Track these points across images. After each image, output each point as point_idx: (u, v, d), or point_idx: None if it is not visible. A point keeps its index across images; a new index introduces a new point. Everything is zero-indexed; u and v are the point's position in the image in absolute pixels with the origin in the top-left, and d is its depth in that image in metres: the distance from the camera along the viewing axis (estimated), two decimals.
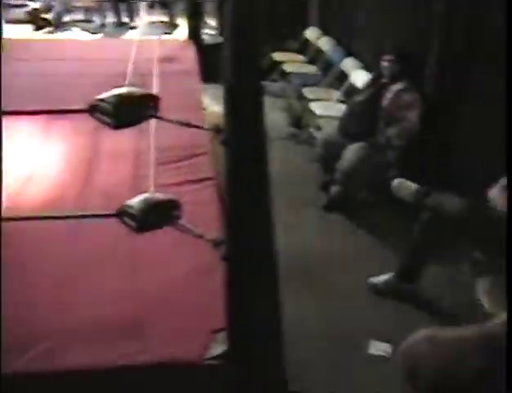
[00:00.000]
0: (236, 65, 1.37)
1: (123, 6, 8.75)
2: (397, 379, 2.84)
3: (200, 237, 1.96)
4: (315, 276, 3.63)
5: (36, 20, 8.34)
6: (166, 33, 6.72)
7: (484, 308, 2.84)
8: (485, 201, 3.35)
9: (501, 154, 3.70)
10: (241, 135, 1.44)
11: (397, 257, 3.54)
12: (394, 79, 4.24)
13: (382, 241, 3.97)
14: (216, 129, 2.30)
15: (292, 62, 6.44)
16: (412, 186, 3.50)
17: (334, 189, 4.34)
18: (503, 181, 3.35)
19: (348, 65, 5.55)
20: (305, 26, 6.95)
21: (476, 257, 3.35)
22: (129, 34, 7.91)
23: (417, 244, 3.37)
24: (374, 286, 3.52)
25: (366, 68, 5.16)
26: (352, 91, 5.04)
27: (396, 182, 3.57)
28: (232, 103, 1.45)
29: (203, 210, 2.64)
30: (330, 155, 4.41)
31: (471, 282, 3.25)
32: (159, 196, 2.01)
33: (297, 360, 2.83)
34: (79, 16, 9.02)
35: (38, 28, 8.27)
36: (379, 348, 3.10)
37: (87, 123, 2.62)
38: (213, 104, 4.29)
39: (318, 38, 6.47)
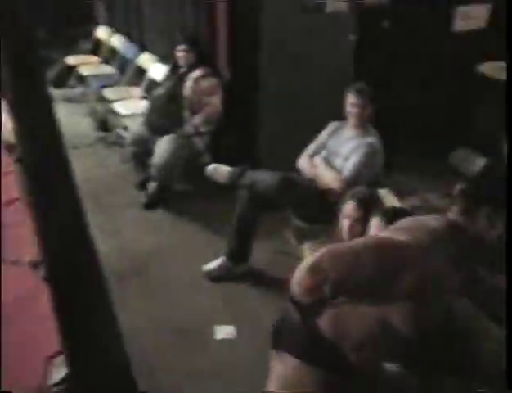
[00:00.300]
0: (14, 75, 1.27)
1: None
2: (246, 359, 2.96)
3: (16, 262, 1.83)
4: (149, 275, 3.58)
5: None
6: None
7: None
8: (296, 171, 3.55)
9: (302, 129, 3.94)
10: (33, 149, 1.35)
11: (226, 240, 3.59)
12: (191, 67, 4.29)
13: (210, 228, 4.02)
14: (8, 147, 2.14)
15: (87, 64, 6.24)
16: (226, 168, 3.59)
17: (151, 186, 4.30)
18: (307, 151, 3.57)
19: (144, 60, 5.51)
20: (95, 25, 6.76)
21: (296, 225, 3.54)
22: None
23: (240, 223, 3.45)
24: (208, 273, 3.56)
25: (163, 60, 5.16)
26: (152, 85, 5.01)
27: (210, 167, 3.63)
28: (17, 116, 1.35)
29: (15, 232, 2.46)
30: (141, 152, 4.36)
31: (296, 249, 3.44)
32: None
33: (146, 364, 2.80)
34: None
35: None
36: (224, 332, 3.16)
37: None
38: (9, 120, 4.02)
39: (110, 37, 6.33)
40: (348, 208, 2.78)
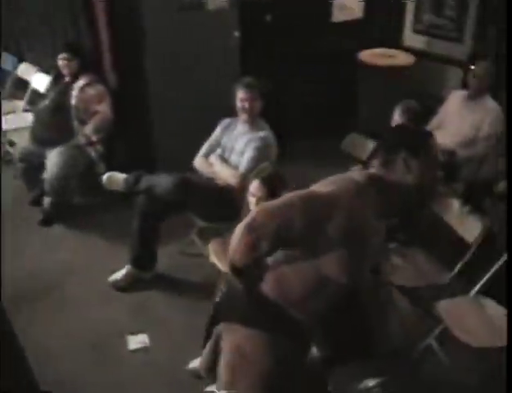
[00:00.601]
0: None
1: None
2: (161, 365, 2.93)
3: None
4: (56, 292, 3.46)
5: None
6: None
7: (217, 266, 3.05)
8: (193, 172, 3.55)
9: (195, 128, 3.94)
10: None
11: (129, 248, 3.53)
12: (75, 76, 4.16)
13: (113, 238, 3.92)
14: None
15: None
16: (121, 176, 3.52)
17: (46, 201, 4.14)
18: (202, 151, 3.58)
19: (25, 71, 5.27)
20: None
21: (200, 225, 3.55)
22: None
23: (141, 229, 3.40)
24: (114, 283, 3.50)
25: (45, 70, 4.96)
26: (36, 97, 4.81)
27: (105, 176, 3.55)
28: None
29: None
30: (31, 168, 4.18)
31: (202, 249, 3.45)
32: None
33: (63, 383, 2.73)
34: None
35: None
36: (137, 341, 3.12)
37: None
38: None
39: None
40: (253, 186, 2.82)
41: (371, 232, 1.99)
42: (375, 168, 2.05)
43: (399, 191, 2.00)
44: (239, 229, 1.96)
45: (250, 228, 1.93)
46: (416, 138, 2.15)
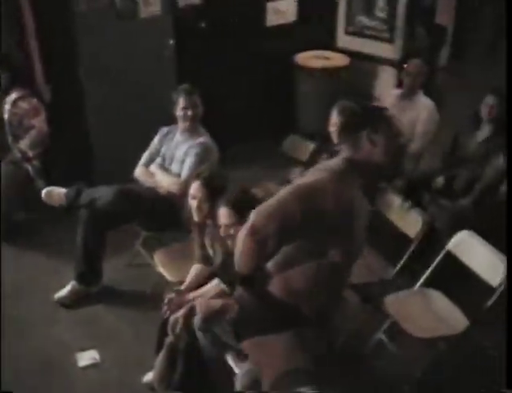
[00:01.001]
0: None
1: None
2: (113, 379, 2.88)
3: None
4: (2, 315, 3.30)
5: None
6: None
7: (165, 276, 3.03)
8: (134, 182, 3.51)
9: (134, 139, 3.89)
10: None
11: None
12: (6, 90, 4.03)
13: (59, 254, 3.79)
14: None
15: None
16: (61, 190, 3.44)
17: None
18: (142, 160, 3.54)
19: None
20: None
21: (145, 235, 3.51)
22: None
23: (85, 244, 3.33)
24: (60, 300, 3.42)
25: None
26: None
27: (44, 191, 3.46)
28: None
29: None
30: None
31: (148, 259, 3.41)
32: None
33: None
34: None
35: None
36: (87, 357, 3.06)
37: None
38: None
39: None
40: (194, 187, 2.79)
41: (360, 213, 2.12)
42: (345, 152, 2.16)
43: (370, 167, 2.13)
44: (240, 236, 2.07)
45: (251, 232, 2.02)
46: (374, 115, 2.29)
